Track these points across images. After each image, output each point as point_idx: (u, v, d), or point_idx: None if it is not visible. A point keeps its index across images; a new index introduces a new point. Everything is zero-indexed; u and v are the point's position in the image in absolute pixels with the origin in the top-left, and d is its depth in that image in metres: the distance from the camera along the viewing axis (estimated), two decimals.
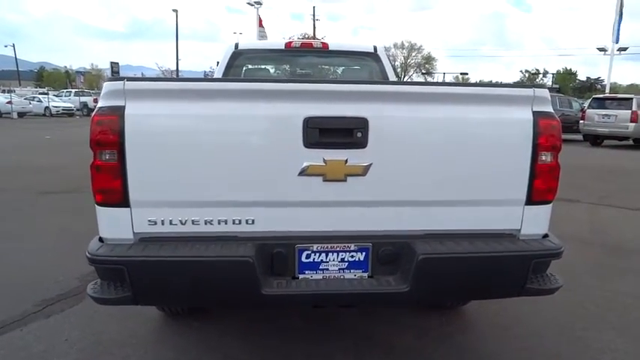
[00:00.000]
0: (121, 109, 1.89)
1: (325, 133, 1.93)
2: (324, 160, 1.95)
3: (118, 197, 1.94)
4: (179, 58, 39.17)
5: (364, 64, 4.65)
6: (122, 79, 1.95)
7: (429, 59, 66.09)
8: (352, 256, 2.08)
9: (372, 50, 4.62)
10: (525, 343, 2.90)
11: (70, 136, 16.17)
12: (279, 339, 2.89)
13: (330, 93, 2.00)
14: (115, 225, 1.99)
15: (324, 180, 1.96)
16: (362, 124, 1.95)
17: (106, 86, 1.97)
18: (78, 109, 32.68)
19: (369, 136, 1.95)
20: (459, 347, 2.85)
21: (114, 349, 2.78)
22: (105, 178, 1.94)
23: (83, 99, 34.13)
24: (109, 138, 1.90)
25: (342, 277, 2.09)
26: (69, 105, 32.10)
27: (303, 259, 2.07)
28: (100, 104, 1.98)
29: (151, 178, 1.93)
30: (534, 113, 2.08)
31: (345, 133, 1.95)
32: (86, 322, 3.09)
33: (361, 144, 1.94)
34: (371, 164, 1.96)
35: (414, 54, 65.49)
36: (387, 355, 2.75)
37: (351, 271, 2.10)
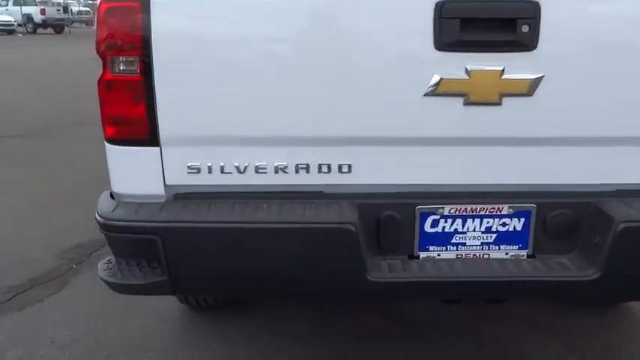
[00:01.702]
0: None
1: (470, 26, 1.75)
2: (467, 71, 1.77)
3: (142, 130, 1.84)
4: None
5: None
6: None
7: None
8: (504, 224, 1.96)
9: None
10: None
11: (15, 61, 16.25)
12: (354, 342, 2.82)
13: None
14: (136, 174, 1.90)
15: (466, 103, 1.80)
16: (530, 11, 1.74)
17: None
18: (20, 25, 32.89)
19: (541, 32, 1.75)
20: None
21: (122, 356, 2.72)
22: (121, 99, 1.83)
23: (26, 10, 34.26)
24: (126, 37, 1.77)
25: (486, 255, 1.99)
26: (7, 19, 32.24)
27: (428, 227, 1.95)
28: None
29: (191, 99, 1.82)
30: None
31: (503, 27, 1.76)
32: (78, 317, 3.04)
33: (528, 44, 1.76)
34: (542, 77, 1.79)
35: None
36: None
37: (501, 247, 1.98)
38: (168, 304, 3.03)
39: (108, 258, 2.00)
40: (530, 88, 1.79)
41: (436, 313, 3.04)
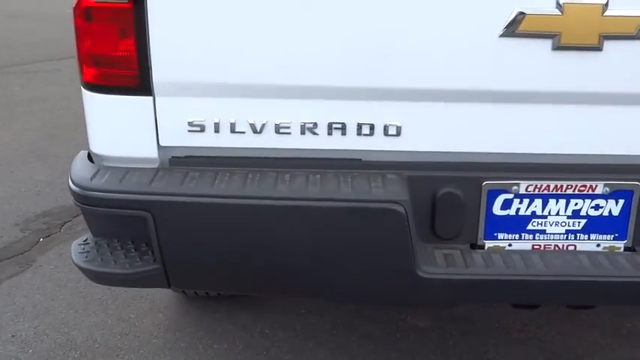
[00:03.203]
0: None
1: None
2: (559, 4, 1.71)
3: (130, 74, 1.82)
4: None
5: None
6: None
7: None
8: (597, 207, 1.94)
9: None
10: None
11: None
12: (387, 347, 2.78)
13: None
14: (122, 131, 1.88)
15: (556, 47, 1.75)
16: None
17: None
18: None
19: None
20: None
21: (99, 358, 2.70)
22: (103, 33, 1.80)
23: None
24: None
25: (572, 247, 1.97)
26: None
27: (497, 209, 1.93)
28: None
29: (194, 35, 1.78)
30: None
31: None
32: (45, 306, 3.03)
33: None
34: None
35: None
36: None
37: (592, 236, 1.96)
38: (158, 292, 3.03)
39: (84, 238, 1.98)
40: None
41: (493, 312, 3.00)
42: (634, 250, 1.94)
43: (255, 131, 1.85)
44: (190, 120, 1.83)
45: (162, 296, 3.05)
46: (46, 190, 4.15)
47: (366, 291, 1.99)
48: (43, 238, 3.61)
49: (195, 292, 2.93)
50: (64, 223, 3.74)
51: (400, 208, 1.76)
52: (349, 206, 1.78)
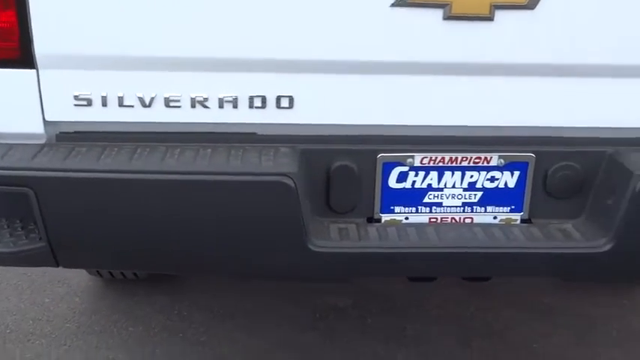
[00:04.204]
0: None
1: None
2: None
3: (11, 46, 1.76)
4: None
5: None
6: None
7: None
8: (492, 179, 1.95)
9: None
10: None
11: None
12: (303, 327, 2.78)
13: None
14: (6, 105, 1.82)
15: (447, 16, 1.75)
16: None
17: None
18: None
19: None
20: None
21: (9, 344, 2.68)
22: None
23: None
24: None
25: (468, 219, 1.98)
26: None
27: (393, 182, 1.93)
28: None
29: (76, 5, 1.73)
30: None
31: None
32: None
33: None
34: None
35: None
36: None
37: (488, 208, 1.98)
38: (75, 276, 3.02)
39: None
40: None
41: (414, 290, 3.02)
42: (530, 222, 1.96)
43: (144, 105, 1.81)
44: (76, 94, 1.79)
45: (79, 280, 3.03)
46: None
47: (258, 265, 1.98)
48: None
49: (112, 275, 2.91)
50: None
51: (289, 181, 1.74)
52: (238, 179, 1.77)
